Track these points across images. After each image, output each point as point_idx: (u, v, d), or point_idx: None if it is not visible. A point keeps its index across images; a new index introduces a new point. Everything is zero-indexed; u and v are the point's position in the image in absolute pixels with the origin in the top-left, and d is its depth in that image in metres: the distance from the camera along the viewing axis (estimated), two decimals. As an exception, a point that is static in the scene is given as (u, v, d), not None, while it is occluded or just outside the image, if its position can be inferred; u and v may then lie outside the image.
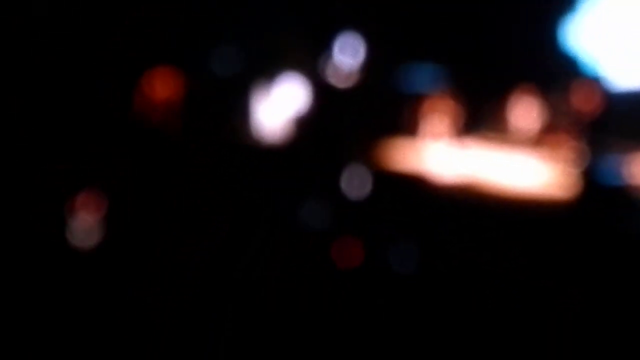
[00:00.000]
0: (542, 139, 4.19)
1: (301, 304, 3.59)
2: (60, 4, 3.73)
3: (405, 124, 4.23)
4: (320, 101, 4.16)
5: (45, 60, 3.73)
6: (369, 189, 4.01)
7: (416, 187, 4.06)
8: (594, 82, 4.15)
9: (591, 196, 3.90)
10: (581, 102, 4.15)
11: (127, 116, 3.89)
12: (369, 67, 4.22)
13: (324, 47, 4.21)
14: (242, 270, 3.65)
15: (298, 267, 3.69)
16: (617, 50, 4.17)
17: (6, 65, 3.66)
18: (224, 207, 3.82)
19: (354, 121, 4.16)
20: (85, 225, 3.67)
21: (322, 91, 4.18)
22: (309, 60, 4.20)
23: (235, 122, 4.11)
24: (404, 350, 3.52)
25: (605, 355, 3.47)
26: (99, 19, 3.79)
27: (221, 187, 3.86)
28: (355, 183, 4.03)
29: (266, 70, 4.16)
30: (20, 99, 3.71)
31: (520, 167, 4.14)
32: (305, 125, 4.16)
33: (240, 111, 4.12)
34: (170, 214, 3.79)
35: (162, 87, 3.96)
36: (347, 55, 4.22)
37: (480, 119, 4.25)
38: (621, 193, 3.86)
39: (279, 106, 4.16)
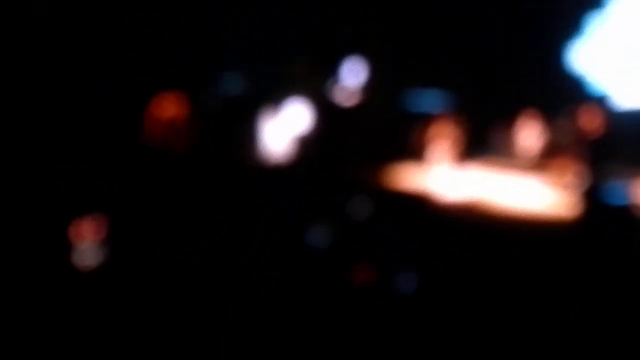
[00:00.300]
0: (546, 161, 4.21)
1: (306, 320, 3.61)
2: (78, 25, 3.80)
3: (411, 146, 4.28)
4: (326, 124, 4.21)
5: (60, 82, 3.80)
6: (374, 210, 4.04)
7: (421, 208, 4.08)
8: (598, 104, 4.18)
9: (594, 217, 3.91)
10: (585, 124, 4.17)
11: (138, 138, 3.95)
12: (375, 90, 4.27)
13: (330, 71, 4.27)
14: (245, 286, 3.68)
15: (304, 284, 3.72)
16: (621, 73, 4.20)
17: (17, 89, 3.74)
18: (233, 227, 3.85)
19: (359, 144, 4.20)
20: (92, 244, 3.72)
21: (329, 114, 4.23)
22: (316, 84, 4.26)
23: (244, 144, 4.16)
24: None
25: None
26: (109, 42, 3.87)
27: (230, 207, 3.90)
28: (360, 204, 4.06)
29: (274, 94, 4.22)
30: (33, 120, 3.77)
31: (524, 189, 4.15)
32: (312, 147, 4.20)
33: (248, 133, 4.18)
34: (179, 234, 3.82)
35: (172, 110, 4.02)
36: (353, 79, 4.27)
37: (485, 141, 4.29)
38: (624, 213, 3.86)
39: (286, 128, 4.22)
